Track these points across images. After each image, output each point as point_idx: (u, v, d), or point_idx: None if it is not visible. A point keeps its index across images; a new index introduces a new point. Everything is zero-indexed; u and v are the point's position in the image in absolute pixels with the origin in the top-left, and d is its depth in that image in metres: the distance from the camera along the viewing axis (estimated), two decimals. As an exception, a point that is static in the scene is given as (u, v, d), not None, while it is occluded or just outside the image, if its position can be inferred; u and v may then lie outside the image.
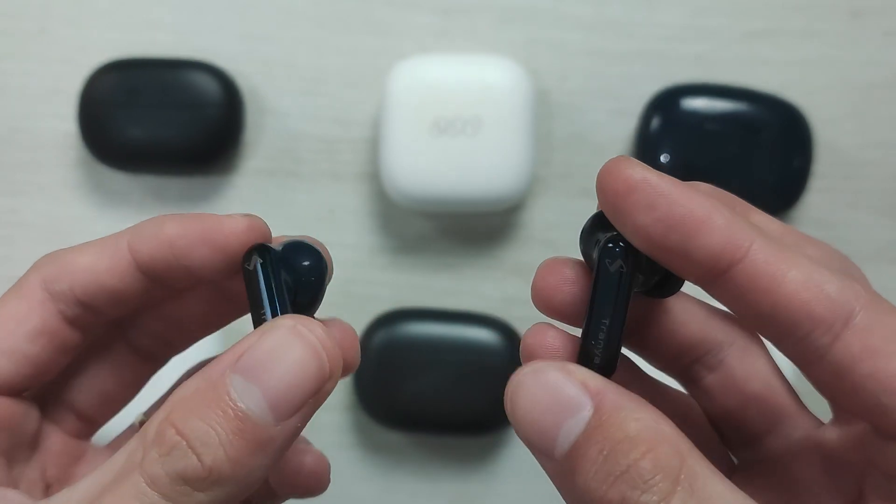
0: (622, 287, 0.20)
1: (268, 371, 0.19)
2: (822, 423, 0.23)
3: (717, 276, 0.19)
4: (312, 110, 0.45)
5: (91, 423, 0.25)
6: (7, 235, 0.46)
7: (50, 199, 0.46)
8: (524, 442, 0.20)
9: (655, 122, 0.42)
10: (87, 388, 0.24)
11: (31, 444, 0.23)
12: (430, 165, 0.41)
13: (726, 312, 0.23)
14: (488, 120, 0.41)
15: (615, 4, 0.44)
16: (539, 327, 0.22)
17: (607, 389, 0.19)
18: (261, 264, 0.21)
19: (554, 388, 0.19)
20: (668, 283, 0.22)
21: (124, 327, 0.25)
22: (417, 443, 0.46)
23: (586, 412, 0.18)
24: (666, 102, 0.42)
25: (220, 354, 0.19)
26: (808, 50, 0.44)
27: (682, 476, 0.17)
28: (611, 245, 0.20)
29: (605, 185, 0.20)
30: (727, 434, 0.24)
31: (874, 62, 0.44)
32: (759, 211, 0.22)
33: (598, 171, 0.47)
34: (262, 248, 0.21)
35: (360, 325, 0.44)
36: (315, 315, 0.22)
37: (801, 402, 0.23)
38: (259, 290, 0.21)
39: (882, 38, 0.44)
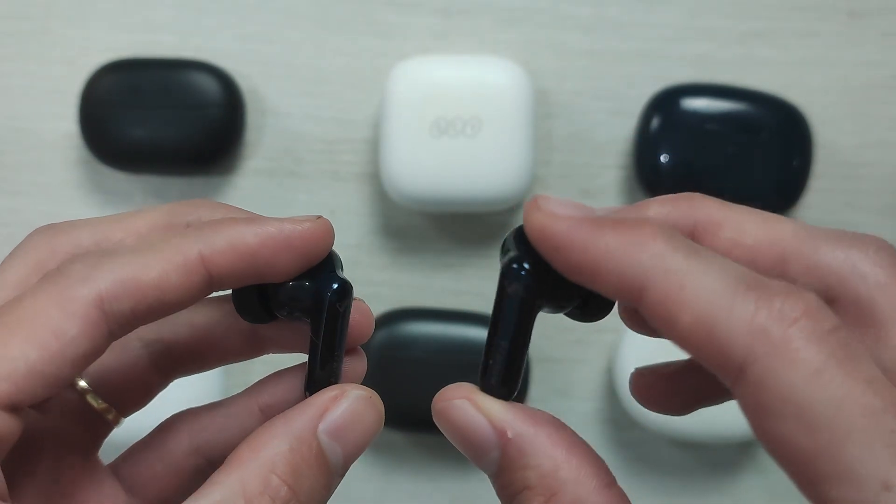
0: (521, 310, 0.20)
1: (350, 433, 0.21)
2: None
3: (637, 306, 0.18)
4: (313, 110, 0.45)
5: (98, 438, 0.24)
6: (8, 235, 0.46)
7: (51, 198, 0.46)
8: None
9: (655, 123, 0.42)
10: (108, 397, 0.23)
11: (35, 455, 0.22)
12: (430, 165, 0.42)
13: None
14: (488, 120, 0.41)
15: (615, 5, 0.44)
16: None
17: (509, 427, 0.19)
18: (349, 308, 0.22)
19: (461, 427, 0.20)
20: (591, 307, 0.21)
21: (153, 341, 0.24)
22: (417, 443, 0.46)
23: (494, 454, 0.19)
24: (665, 102, 0.42)
25: (298, 407, 0.21)
26: (807, 50, 0.44)
27: None
28: (513, 266, 0.19)
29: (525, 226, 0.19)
30: None
31: (873, 63, 0.44)
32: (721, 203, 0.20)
33: (598, 170, 0.48)
34: (350, 290, 0.22)
35: (360, 324, 0.44)
36: None
37: None
38: (341, 332, 0.22)
39: (881, 38, 0.44)
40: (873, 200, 0.44)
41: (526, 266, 0.19)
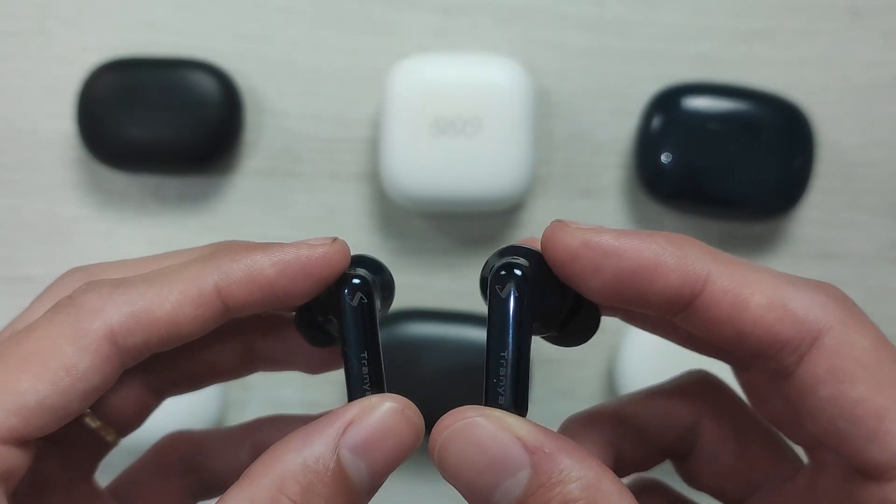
0: (519, 313, 0.19)
1: (376, 449, 0.19)
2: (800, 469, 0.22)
3: (679, 312, 0.18)
4: (312, 110, 0.45)
5: (98, 453, 0.24)
6: (6, 235, 0.46)
7: (49, 198, 0.46)
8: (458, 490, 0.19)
9: (656, 122, 0.42)
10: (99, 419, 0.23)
11: (43, 487, 0.22)
12: (430, 165, 0.41)
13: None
14: (488, 120, 0.41)
15: (616, 4, 0.44)
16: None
17: (544, 443, 0.18)
18: (364, 302, 0.20)
19: (488, 445, 0.18)
20: (575, 326, 0.20)
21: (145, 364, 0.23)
22: (417, 443, 0.45)
23: (524, 473, 0.18)
24: (667, 102, 0.42)
25: (320, 420, 0.19)
26: (809, 50, 0.44)
27: None
28: (502, 271, 0.19)
29: (549, 255, 0.19)
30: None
31: (875, 62, 0.44)
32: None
33: (599, 170, 0.47)
34: (364, 283, 0.20)
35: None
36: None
37: (780, 449, 0.23)
38: (361, 330, 0.20)
39: (882, 38, 0.44)
40: (876, 200, 0.44)
41: (516, 267, 0.19)
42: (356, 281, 0.20)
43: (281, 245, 0.20)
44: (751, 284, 0.18)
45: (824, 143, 0.43)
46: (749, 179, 0.42)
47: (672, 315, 0.19)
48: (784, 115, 0.42)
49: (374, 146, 0.45)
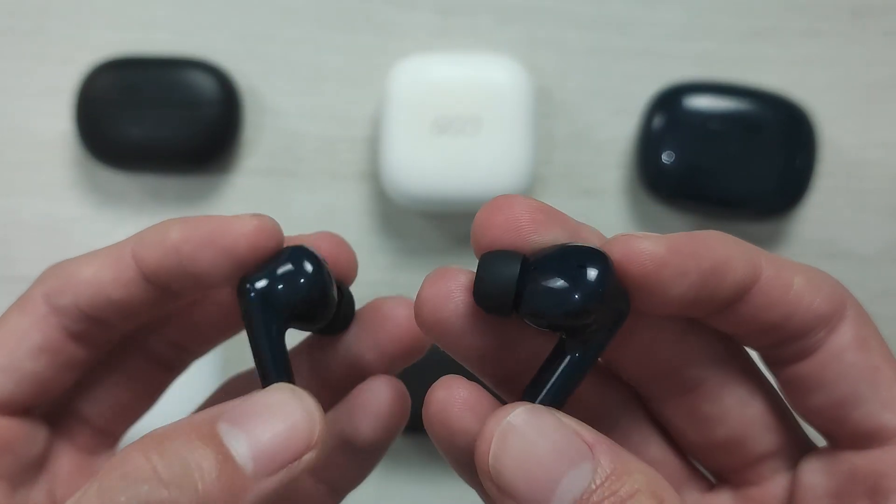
0: (615, 332, 0.19)
1: (257, 421, 0.18)
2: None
3: (733, 304, 0.19)
4: (312, 109, 0.45)
5: (107, 437, 0.24)
6: (5, 235, 0.45)
7: (47, 198, 0.45)
8: (505, 493, 0.17)
9: (657, 121, 0.42)
10: (101, 401, 0.23)
11: (38, 465, 0.22)
12: (430, 165, 0.41)
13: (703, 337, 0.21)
14: (489, 119, 0.41)
15: (616, 3, 0.44)
16: (449, 379, 0.21)
17: (600, 437, 0.18)
18: (247, 307, 0.19)
19: (555, 434, 0.17)
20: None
21: (138, 335, 0.23)
22: (418, 445, 0.45)
23: (590, 463, 0.17)
24: (668, 101, 0.42)
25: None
26: (810, 49, 0.44)
27: None
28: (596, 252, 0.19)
29: (628, 267, 0.18)
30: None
31: (876, 61, 0.44)
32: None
33: (599, 170, 0.47)
34: (248, 284, 0.19)
35: (359, 325, 0.44)
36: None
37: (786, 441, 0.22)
38: (250, 332, 0.20)
39: (883, 37, 0.44)
40: (877, 200, 0.44)
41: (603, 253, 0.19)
42: (245, 284, 0.19)
43: (201, 217, 0.20)
44: (788, 268, 0.19)
45: (826, 142, 0.43)
46: (751, 179, 0.42)
47: (725, 308, 0.19)
48: (786, 115, 0.42)
49: (374, 146, 0.45)
